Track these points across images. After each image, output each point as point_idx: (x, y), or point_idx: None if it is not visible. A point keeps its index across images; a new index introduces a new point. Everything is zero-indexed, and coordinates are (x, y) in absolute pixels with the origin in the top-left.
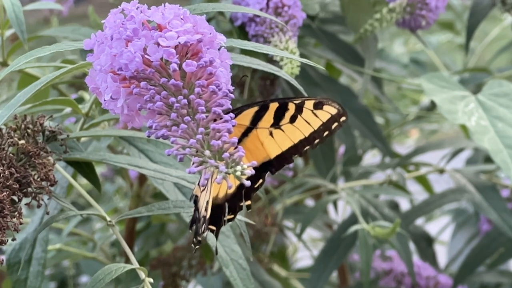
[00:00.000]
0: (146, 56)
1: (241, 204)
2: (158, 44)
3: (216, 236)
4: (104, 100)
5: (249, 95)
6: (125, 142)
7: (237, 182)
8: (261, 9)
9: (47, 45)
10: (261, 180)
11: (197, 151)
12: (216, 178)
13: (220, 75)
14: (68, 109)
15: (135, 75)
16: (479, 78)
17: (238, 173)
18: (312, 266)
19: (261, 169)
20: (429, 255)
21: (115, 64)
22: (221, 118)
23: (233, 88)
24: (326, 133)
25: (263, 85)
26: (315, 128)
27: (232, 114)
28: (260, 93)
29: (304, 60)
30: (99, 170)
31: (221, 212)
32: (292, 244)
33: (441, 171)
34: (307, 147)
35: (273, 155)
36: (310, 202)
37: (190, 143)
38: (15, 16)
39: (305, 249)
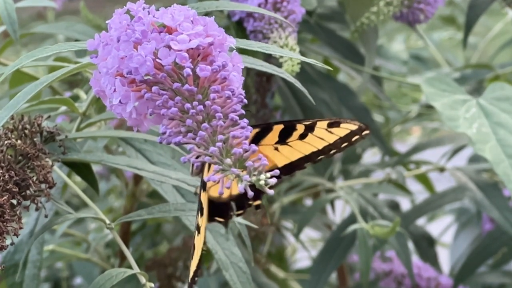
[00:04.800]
0: (157, 60)
1: (250, 202)
2: (170, 48)
3: (226, 226)
4: (111, 104)
5: (244, 91)
6: (121, 142)
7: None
8: (259, 4)
9: (41, 41)
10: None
11: (216, 159)
12: (238, 186)
13: (233, 79)
14: (62, 108)
15: (145, 79)
16: (481, 74)
17: (262, 182)
18: (311, 267)
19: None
20: (430, 256)
21: (123, 67)
22: (237, 125)
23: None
24: (344, 144)
25: (259, 81)
26: (331, 142)
27: (246, 120)
28: (256, 90)
29: (311, 60)
30: (94, 168)
31: (226, 207)
32: (291, 244)
33: (442, 169)
34: (322, 157)
35: (280, 164)
36: (309, 202)
37: (210, 151)
38: (7, 15)
39: (304, 249)
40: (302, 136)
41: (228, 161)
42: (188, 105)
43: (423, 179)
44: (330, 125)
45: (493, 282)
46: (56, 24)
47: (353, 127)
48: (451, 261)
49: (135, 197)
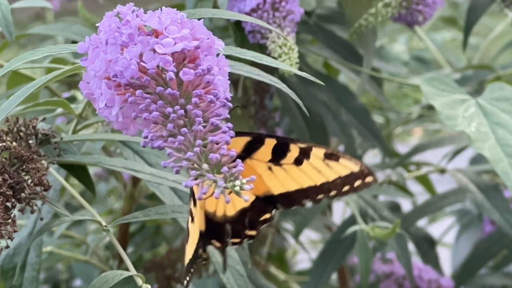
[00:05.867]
0: (141, 63)
1: (246, 232)
2: (154, 51)
3: (223, 254)
4: (99, 107)
5: (243, 93)
6: (119, 143)
7: (238, 208)
8: (258, 4)
9: (41, 42)
10: (268, 215)
11: (194, 164)
12: (214, 192)
13: (218, 83)
14: (59, 109)
15: (130, 83)
16: (482, 75)
17: (237, 188)
18: (310, 269)
19: (266, 202)
20: (431, 258)
21: (110, 70)
22: (219, 129)
23: (231, 95)
24: (346, 188)
25: (258, 82)
26: (330, 180)
27: (230, 125)
28: (255, 91)
29: (304, 74)
30: (93, 169)
31: (223, 230)
32: (292, 246)
33: (442, 171)
34: (321, 196)
35: (276, 191)
36: (309, 203)
37: (187, 155)
38: (3, 17)
39: (305, 251)
40: (297, 162)
41: (206, 166)
42: (169, 109)
43: (423, 180)
44: (328, 156)
45: (494, 284)
46: (52, 25)
47: (355, 167)
48: (453, 263)
49: (134, 199)
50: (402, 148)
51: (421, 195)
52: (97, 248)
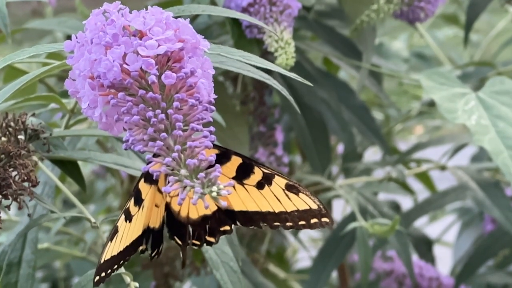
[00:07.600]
0: (124, 65)
1: (206, 237)
2: (138, 53)
3: (183, 252)
4: (83, 107)
5: (242, 89)
6: (112, 138)
7: (200, 213)
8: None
9: (39, 39)
10: (228, 227)
11: (172, 170)
12: (192, 198)
13: (201, 86)
14: (52, 105)
15: (113, 84)
16: (483, 72)
17: (214, 194)
18: (310, 267)
19: (227, 215)
20: (429, 259)
21: (94, 71)
22: (200, 133)
23: (215, 97)
24: (302, 223)
25: (257, 79)
26: (288, 210)
27: (211, 128)
28: (254, 88)
29: (293, 75)
30: (90, 167)
31: (185, 230)
32: (292, 245)
33: (443, 168)
34: (278, 224)
35: (236, 208)
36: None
37: (165, 161)
38: None
39: (305, 249)
40: (259, 185)
41: (184, 171)
42: (149, 113)
43: (424, 177)
44: (288, 188)
45: (496, 283)
46: (48, 20)
47: (313, 205)
48: (454, 261)
49: None
50: (403, 146)
51: (421, 194)
52: (95, 245)
